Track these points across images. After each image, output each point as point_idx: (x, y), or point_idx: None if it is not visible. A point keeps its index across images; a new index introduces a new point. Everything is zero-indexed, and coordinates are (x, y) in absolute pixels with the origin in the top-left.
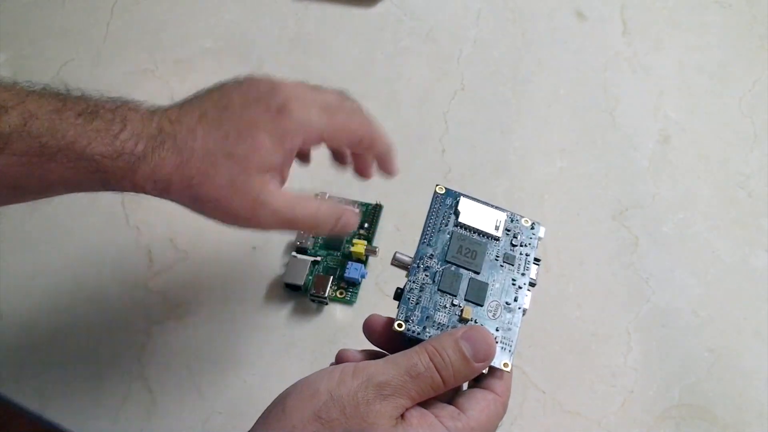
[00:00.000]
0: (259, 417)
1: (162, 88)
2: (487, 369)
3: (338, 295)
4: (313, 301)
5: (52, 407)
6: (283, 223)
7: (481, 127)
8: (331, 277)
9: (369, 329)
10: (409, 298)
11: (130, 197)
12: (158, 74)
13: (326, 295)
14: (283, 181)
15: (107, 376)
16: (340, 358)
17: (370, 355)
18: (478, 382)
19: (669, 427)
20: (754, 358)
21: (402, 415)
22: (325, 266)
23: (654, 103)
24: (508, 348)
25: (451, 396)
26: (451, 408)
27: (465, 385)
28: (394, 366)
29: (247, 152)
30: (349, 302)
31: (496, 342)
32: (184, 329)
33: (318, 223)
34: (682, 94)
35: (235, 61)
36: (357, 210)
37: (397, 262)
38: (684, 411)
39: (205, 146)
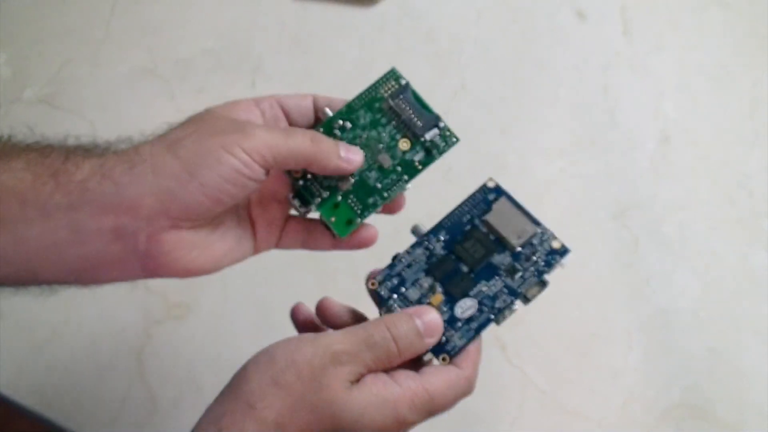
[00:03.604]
0: (224, 386)
1: (162, 88)
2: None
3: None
4: None
5: (52, 407)
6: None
7: (481, 127)
8: None
9: (322, 311)
10: (395, 266)
11: None
12: (158, 74)
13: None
14: None
15: (107, 376)
16: (320, 306)
17: (351, 310)
18: None
19: (669, 427)
20: (754, 358)
21: (357, 381)
22: None
23: (654, 103)
24: (456, 345)
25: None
26: (409, 371)
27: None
28: (351, 335)
29: None
30: None
31: (455, 330)
32: (184, 329)
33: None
34: (682, 94)
35: (235, 61)
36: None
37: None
38: (684, 411)
39: None
